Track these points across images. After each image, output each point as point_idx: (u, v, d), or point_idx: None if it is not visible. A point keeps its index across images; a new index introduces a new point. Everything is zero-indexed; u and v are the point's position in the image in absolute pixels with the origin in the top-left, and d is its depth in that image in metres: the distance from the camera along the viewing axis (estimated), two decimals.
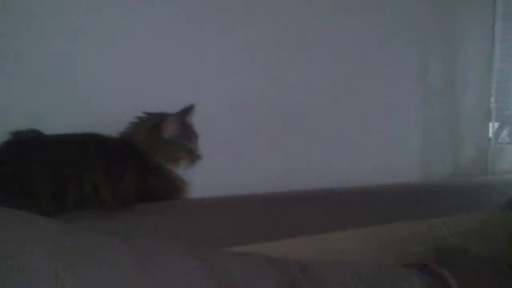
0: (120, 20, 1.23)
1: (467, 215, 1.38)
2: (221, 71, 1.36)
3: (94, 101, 1.18)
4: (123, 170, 1.01)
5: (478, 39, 1.93)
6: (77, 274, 0.72)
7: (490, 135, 1.95)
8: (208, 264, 0.86)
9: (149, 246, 0.85)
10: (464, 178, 1.83)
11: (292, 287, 0.91)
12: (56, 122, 1.05)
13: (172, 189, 1.11)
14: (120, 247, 0.81)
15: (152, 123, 1.11)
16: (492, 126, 1.95)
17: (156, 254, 0.84)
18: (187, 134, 1.13)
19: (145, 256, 0.82)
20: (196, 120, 1.16)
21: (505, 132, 2.01)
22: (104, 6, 1.20)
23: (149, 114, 1.12)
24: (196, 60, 1.33)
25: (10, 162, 0.94)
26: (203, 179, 1.12)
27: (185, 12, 1.31)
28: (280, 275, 0.91)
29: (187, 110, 1.13)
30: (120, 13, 1.22)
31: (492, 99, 1.92)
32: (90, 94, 1.18)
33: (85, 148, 1.00)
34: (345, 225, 1.15)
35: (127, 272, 0.77)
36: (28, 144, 0.98)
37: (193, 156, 1.13)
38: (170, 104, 1.12)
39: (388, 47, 1.71)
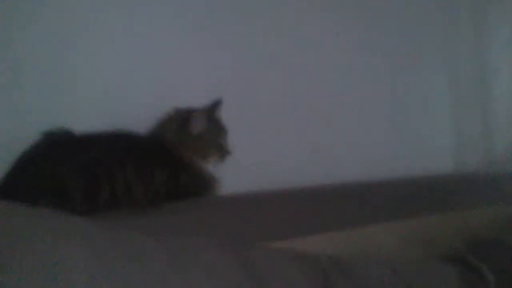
0: (143, 18, 1.23)
1: (501, 206, 1.36)
2: (247, 65, 1.36)
3: (119, 99, 1.18)
4: (153, 168, 1.02)
5: (509, 25, 1.89)
6: (111, 272, 0.71)
7: None
8: (240, 260, 0.86)
9: (180, 244, 0.85)
10: (497, 169, 1.79)
11: (324, 282, 0.90)
12: (82, 122, 1.05)
13: (203, 186, 1.11)
14: (153, 245, 0.81)
15: (180, 119, 1.11)
16: None
17: (187, 251, 0.84)
18: (216, 129, 1.13)
19: (177, 253, 0.82)
20: (224, 116, 1.16)
21: None
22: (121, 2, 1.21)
23: (177, 110, 1.12)
24: (222, 55, 1.32)
25: (42, 162, 0.95)
26: (233, 175, 1.12)
27: (208, 7, 1.31)
28: (311, 270, 0.91)
29: (215, 105, 1.13)
30: (143, 10, 1.23)
31: None
32: (114, 92, 1.18)
33: (115, 147, 1.01)
34: (378, 219, 1.14)
35: (161, 270, 0.77)
36: (60, 143, 0.99)
37: (222, 152, 1.12)
38: (197, 100, 1.12)
39: (418, 36, 1.69)
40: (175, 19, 1.27)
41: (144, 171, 1.00)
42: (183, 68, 1.26)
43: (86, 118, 1.09)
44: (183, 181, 1.07)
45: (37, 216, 0.76)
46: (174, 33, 1.27)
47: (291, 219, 1.07)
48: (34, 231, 0.72)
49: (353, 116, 1.55)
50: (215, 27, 1.31)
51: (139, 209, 0.95)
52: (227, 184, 1.13)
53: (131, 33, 1.21)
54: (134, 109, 1.14)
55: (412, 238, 1.15)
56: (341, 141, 1.51)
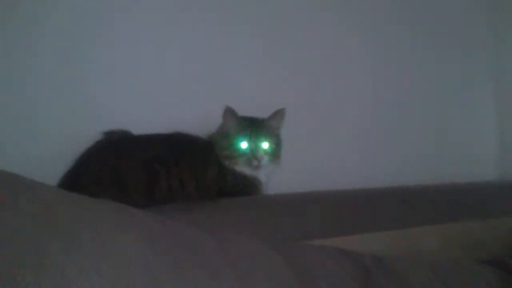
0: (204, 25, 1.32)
1: None
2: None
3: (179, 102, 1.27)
4: (206, 167, 1.08)
5: None
6: (165, 259, 0.75)
7: None
8: (285, 254, 0.88)
9: (228, 235, 0.89)
10: None
11: (367, 280, 0.92)
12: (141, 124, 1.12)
13: (247, 187, 1.13)
14: (203, 235, 0.85)
15: None
16: None
17: (235, 242, 0.87)
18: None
19: (226, 244, 0.85)
20: None
21: None
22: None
23: None
24: (281, 65, 1.41)
25: (104, 158, 1.02)
26: (284, 177, 1.16)
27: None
28: (354, 267, 0.92)
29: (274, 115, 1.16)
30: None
31: None
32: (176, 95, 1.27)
33: (172, 146, 1.08)
34: (421, 221, 1.16)
35: (211, 258, 0.80)
36: (120, 142, 1.07)
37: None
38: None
39: (463, 42, 1.72)
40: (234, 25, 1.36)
41: (196, 169, 1.06)
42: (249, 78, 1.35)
43: (146, 121, 1.16)
44: (230, 181, 1.11)
45: (98, 206, 0.81)
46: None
47: (337, 219, 1.11)
48: (95, 219, 0.77)
49: (398, 121, 1.59)
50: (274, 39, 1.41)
51: (192, 202, 1.01)
52: (277, 186, 1.17)
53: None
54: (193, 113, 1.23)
55: (454, 242, 1.16)
56: (387, 146, 1.55)
